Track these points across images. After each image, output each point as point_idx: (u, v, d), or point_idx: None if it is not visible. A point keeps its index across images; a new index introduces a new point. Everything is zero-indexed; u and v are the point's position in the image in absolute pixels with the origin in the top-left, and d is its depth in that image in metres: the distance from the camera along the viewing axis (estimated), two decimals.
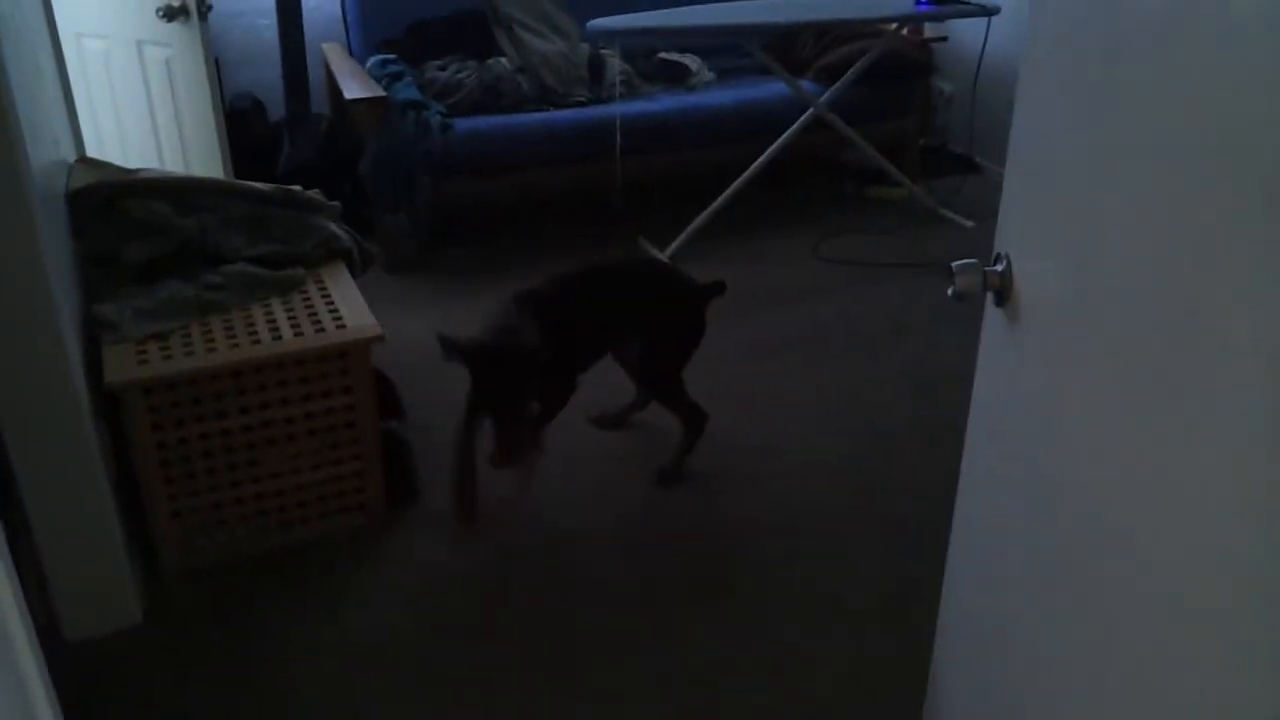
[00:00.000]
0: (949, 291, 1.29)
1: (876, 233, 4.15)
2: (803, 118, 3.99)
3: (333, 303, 2.42)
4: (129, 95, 3.50)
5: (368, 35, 4.22)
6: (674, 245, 3.82)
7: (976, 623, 1.54)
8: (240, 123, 3.96)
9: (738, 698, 2.02)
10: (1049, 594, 1.26)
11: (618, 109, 3.91)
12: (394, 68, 4.00)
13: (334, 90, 4.06)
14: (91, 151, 2.92)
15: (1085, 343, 1.12)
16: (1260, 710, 0.87)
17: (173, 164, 3.52)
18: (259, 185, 2.64)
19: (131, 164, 2.77)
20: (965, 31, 4.60)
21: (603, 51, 4.24)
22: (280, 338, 2.27)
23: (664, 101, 4.19)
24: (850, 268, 3.84)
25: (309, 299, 2.44)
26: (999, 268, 1.31)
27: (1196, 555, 0.94)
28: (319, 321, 2.33)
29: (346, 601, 2.26)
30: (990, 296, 1.34)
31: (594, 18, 3.69)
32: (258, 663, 2.11)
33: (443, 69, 4.09)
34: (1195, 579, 0.95)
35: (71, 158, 2.66)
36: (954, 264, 1.29)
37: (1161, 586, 1.01)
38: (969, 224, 4.15)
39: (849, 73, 4.06)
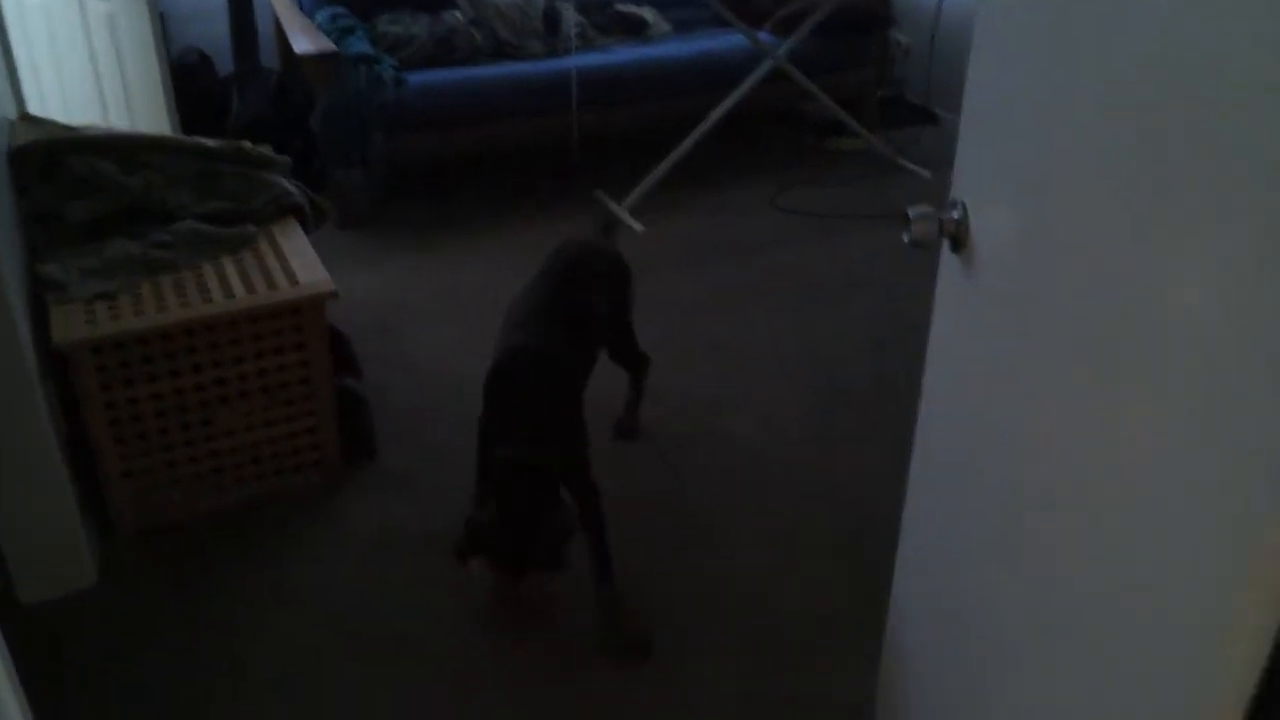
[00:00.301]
0: (905, 238, 1.29)
1: (835, 184, 4.15)
2: (760, 69, 3.96)
3: (285, 259, 2.38)
4: (71, 51, 3.41)
5: None
6: (631, 197, 3.80)
7: (934, 559, 1.56)
8: (188, 78, 3.88)
9: (704, 634, 2.04)
10: (1001, 533, 1.27)
11: (573, 62, 3.87)
12: (345, 21, 3.92)
13: (284, 44, 3.98)
14: (33, 108, 2.84)
15: (1037, 287, 1.14)
16: (1196, 640, 0.88)
17: (117, 121, 3.44)
18: (207, 141, 2.59)
19: (74, 121, 2.71)
20: None
21: (558, 3, 4.18)
22: (232, 295, 2.23)
23: (620, 54, 4.14)
24: (808, 219, 3.84)
25: (261, 256, 2.40)
26: (954, 214, 1.31)
27: (1142, 496, 0.95)
28: (271, 278, 2.29)
29: (302, 559, 2.25)
30: (946, 243, 1.34)
31: None
32: (214, 623, 2.09)
33: (394, 22, 4.01)
34: (1139, 522, 0.96)
35: (12, 115, 2.59)
36: (910, 210, 1.29)
37: (1107, 524, 1.02)
38: (927, 174, 4.15)
39: (806, 24, 4.03)
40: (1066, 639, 1.12)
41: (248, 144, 2.63)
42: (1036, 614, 1.19)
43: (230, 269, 2.33)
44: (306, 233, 2.57)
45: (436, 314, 3.18)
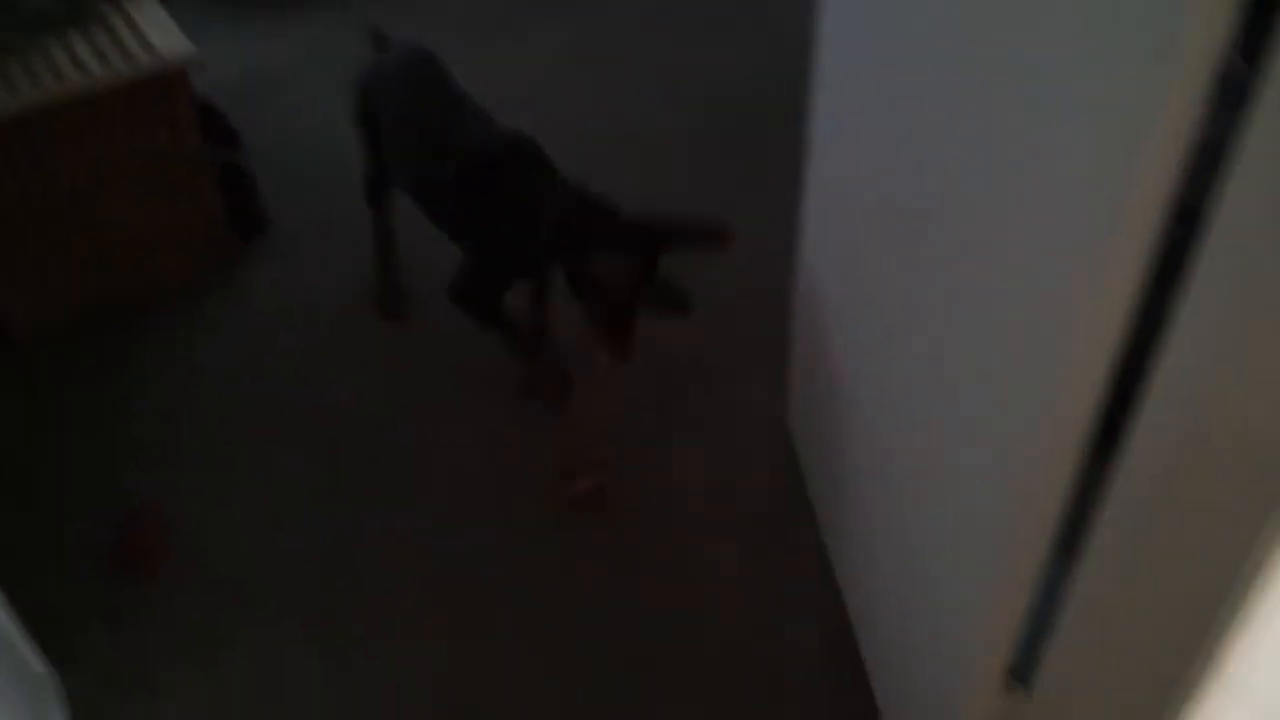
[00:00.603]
0: None
1: None
2: None
3: (141, 32, 2.23)
4: None
5: None
6: None
7: (829, 283, 1.59)
8: None
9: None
10: (890, 251, 1.30)
11: None
12: None
13: None
14: None
15: None
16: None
17: None
18: None
19: None
20: None
21: None
22: (88, 74, 2.10)
23: None
24: None
25: (114, 30, 2.24)
26: None
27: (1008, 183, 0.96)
28: (128, 52, 2.16)
29: (204, 337, 2.24)
30: None
31: None
32: (121, 407, 2.10)
33: None
34: (1004, 212, 0.98)
35: None
36: None
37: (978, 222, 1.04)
38: None
39: None
40: (946, 313, 1.16)
41: None
42: (917, 271, 1.23)
43: (82, 46, 2.18)
44: (162, 2, 2.40)
45: (307, 77, 3.03)
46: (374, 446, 2.02)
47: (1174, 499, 0.85)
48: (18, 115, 2.01)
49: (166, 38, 2.21)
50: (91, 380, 2.16)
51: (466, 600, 1.81)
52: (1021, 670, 1.19)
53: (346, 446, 2.02)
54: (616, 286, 1.73)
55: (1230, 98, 0.73)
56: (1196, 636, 0.83)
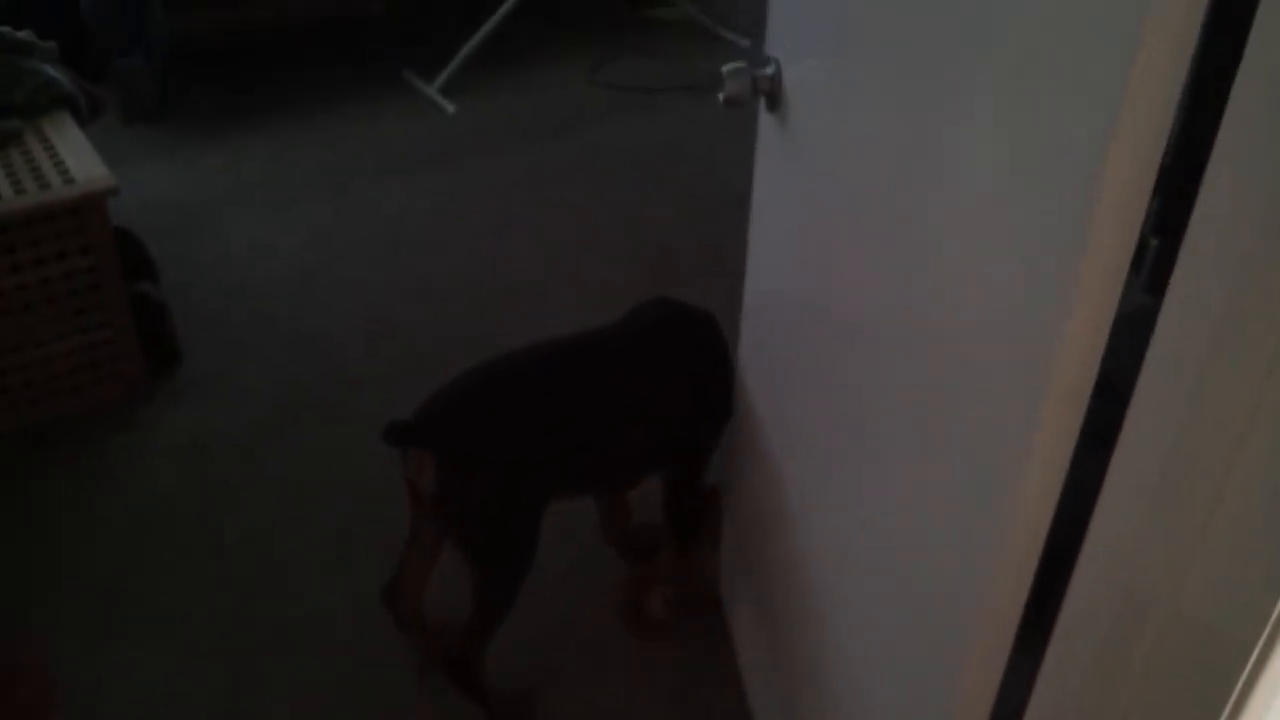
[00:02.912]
0: (720, 97, 1.24)
1: (653, 56, 4.05)
2: None
3: (57, 155, 2.17)
4: None
5: None
6: (442, 77, 3.62)
7: (765, 393, 1.56)
8: None
9: None
10: (819, 372, 1.27)
11: None
12: None
13: None
14: None
15: (845, 140, 1.12)
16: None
17: None
18: None
19: None
20: None
21: None
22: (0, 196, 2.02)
23: None
24: (627, 93, 3.75)
25: (29, 153, 2.18)
26: (768, 71, 1.26)
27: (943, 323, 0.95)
28: (43, 177, 2.09)
29: (111, 474, 2.12)
30: (762, 101, 1.30)
31: None
32: (30, 543, 1.97)
33: None
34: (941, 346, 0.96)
35: None
36: (725, 68, 1.24)
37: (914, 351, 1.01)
38: (745, 43, 4.10)
39: None
40: (875, 456, 1.12)
41: (5, 29, 2.37)
42: (844, 426, 1.20)
43: None
44: (81, 126, 2.35)
45: (235, 209, 2.99)
46: (278, 598, 1.91)
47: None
48: None
49: (84, 164, 2.14)
50: None
51: None
52: None
53: (253, 596, 1.91)
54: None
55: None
56: None
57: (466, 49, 3.65)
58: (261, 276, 2.68)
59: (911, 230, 0.97)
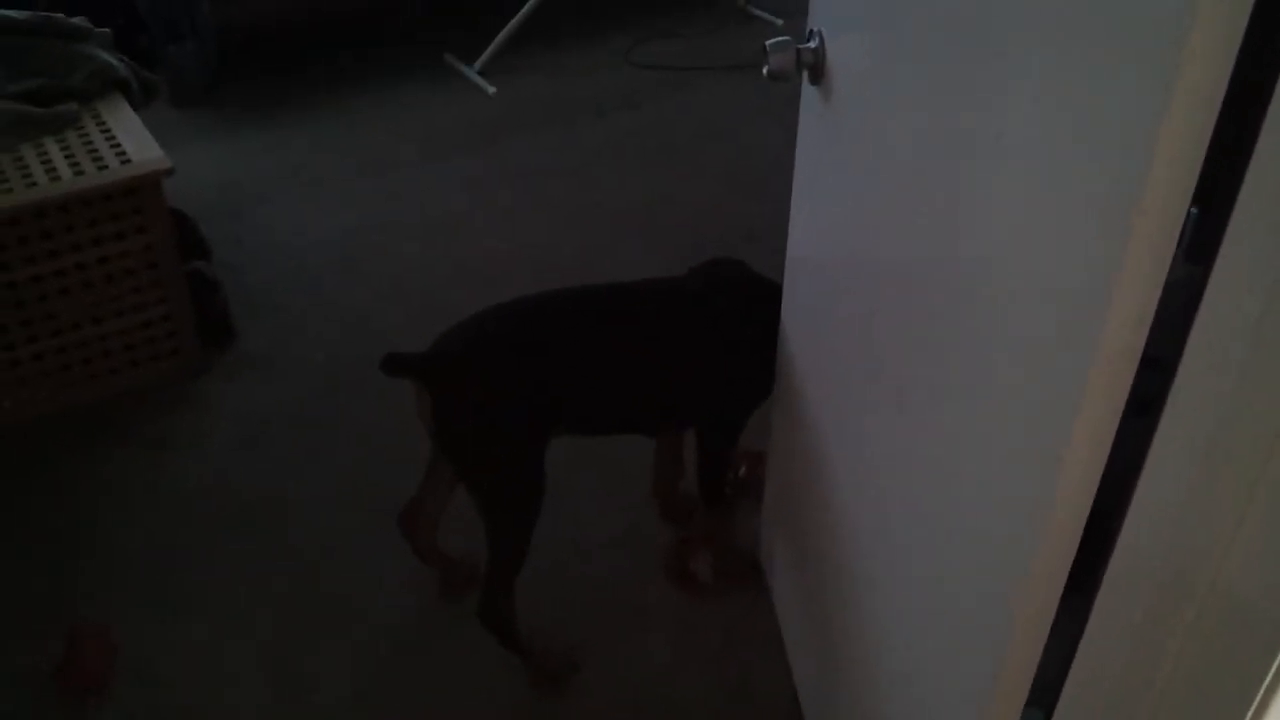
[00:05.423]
0: (764, 71, 1.27)
1: (689, 36, 4.07)
2: None
3: (114, 137, 2.23)
4: None
5: None
6: (482, 59, 3.67)
7: (803, 384, 1.58)
8: None
9: None
10: (866, 349, 1.29)
11: None
12: None
13: None
14: None
15: (890, 110, 1.13)
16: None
17: None
18: (11, 13, 2.38)
19: None
20: None
21: None
22: (59, 179, 2.08)
23: None
24: (663, 73, 3.77)
25: (87, 135, 2.24)
26: (812, 44, 1.29)
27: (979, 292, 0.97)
28: (100, 158, 2.15)
29: (169, 449, 2.18)
30: (805, 75, 1.33)
31: None
32: (72, 520, 2.02)
33: None
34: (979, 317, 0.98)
35: None
36: (768, 42, 1.26)
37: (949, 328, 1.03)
38: (779, 22, 4.11)
39: None
40: (916, 442, 1.15)
41: (60, 15, 2.43)
42: (887, 394, 1.22)
43: (54, 151, 2.17)
44: (135, 109, 2.41)
45: (282, 191, 3.05)
46: (332, 569, 1.96)
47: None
48: None
49: (139, 145, 2.20)
50: (43, 491, 2.09)
51: None
52: None
53: (306, 566, 1.96)
54: None
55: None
56: None
57: (506, 31, 3.69)
58: (308, 255, 2.73)
59: (959, 197, 0.98)
